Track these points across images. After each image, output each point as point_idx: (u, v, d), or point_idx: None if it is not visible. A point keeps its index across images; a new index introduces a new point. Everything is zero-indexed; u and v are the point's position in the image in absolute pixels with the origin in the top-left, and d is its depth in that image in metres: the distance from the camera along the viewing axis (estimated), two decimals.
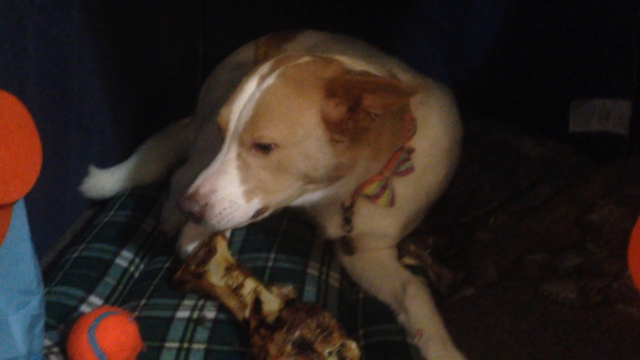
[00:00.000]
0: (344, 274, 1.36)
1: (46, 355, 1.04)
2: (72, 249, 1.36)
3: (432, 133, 1.31)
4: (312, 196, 1.14)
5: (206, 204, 1.02)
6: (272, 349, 0.99)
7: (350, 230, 1.30)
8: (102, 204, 1.60)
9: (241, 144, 1.04)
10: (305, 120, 1.03)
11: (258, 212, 1.08)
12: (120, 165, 1.65)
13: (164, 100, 1.89)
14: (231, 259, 1.20)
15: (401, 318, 1.20)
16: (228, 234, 1.29)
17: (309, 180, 1.08)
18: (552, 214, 1.58)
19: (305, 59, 1.09)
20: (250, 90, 1.04)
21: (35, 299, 0.95)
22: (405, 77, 1.28)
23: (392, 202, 1.25)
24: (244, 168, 1.04)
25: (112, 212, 1.51)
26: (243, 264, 1.20)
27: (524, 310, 1.38)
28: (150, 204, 1.58)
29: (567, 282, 1.43)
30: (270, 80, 1.04)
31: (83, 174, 1.57)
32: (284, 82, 1.03)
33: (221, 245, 1.22)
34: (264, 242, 1.37)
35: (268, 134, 1.01)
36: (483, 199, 1.64)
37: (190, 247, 1.26)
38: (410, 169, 1.24)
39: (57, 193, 1.45)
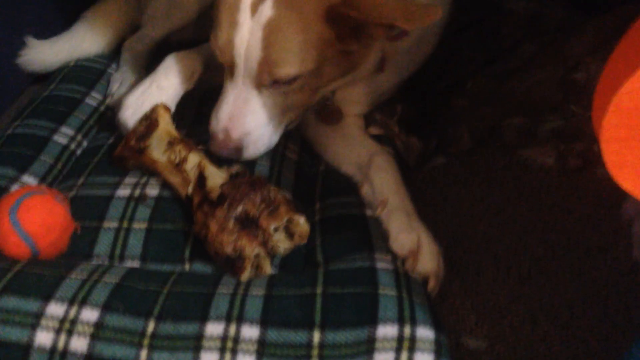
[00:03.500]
0: (305, 146, 1.26)
1: None
2: (6, 127, 1.25)
3: None
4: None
5: (241, 146, 1.07)
6: (213, 226, 0.91)
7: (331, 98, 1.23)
8: (47, 77, 1.46)
9: (260, 82, 1.04)
10: (317, 47, 1.02)
11: (287, 128, 1.14)
12: (62, 34, 1.49)
13: None
14: (174, 133, 1.09)
15: (365, 189, 1.12)
16: (172, 106, 1.17)
17: (330, 83, 1.12)
18: (535, 75, 1.45)
19: None
20: (246, 24, 1.00)
21: None
22: None
23: (382, 68, 1.20)
24: (269, 103, 1.06)
25: (52, 86, 1.37)
26: (187, 138, 1.09)
27: (497, 178, 1.30)
28: (97, 76, 1.44)
29: (545, 147, 1.33)
30: (267, 12, 0.99)
31: (20, 45, 1.42)
32: (283, 13, 0.99)
33: (164, 118, 1.10)
34: None
35: (288, 71, 1.02)
36: (461, 61, 1.50)
37: (132, 120, 1.15)
38: (404, 33, 1.14)
39: None
